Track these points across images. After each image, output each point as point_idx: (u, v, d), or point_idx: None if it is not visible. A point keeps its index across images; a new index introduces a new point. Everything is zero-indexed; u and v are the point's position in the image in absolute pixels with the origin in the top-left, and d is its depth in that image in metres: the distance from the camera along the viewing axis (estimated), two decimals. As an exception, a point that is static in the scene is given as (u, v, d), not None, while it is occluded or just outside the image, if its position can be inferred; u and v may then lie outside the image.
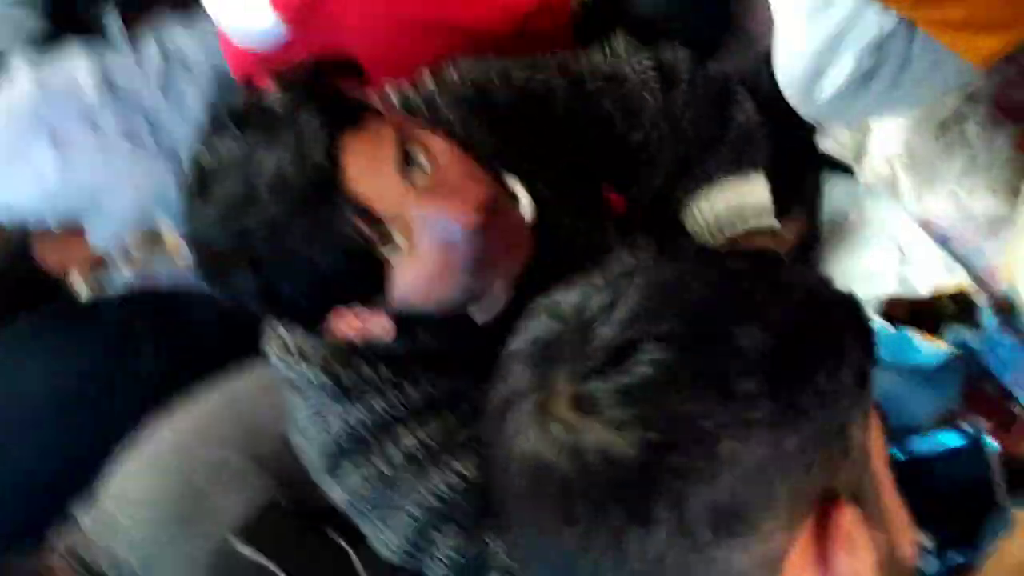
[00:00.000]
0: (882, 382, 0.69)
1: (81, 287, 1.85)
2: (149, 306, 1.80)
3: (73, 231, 1.80)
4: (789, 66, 1.11)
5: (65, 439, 1.66)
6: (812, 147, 1.42)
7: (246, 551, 1.33)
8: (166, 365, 1.69)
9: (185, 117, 1.74)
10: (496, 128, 1.14)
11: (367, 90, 1.06)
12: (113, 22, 1.77)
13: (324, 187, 0.90)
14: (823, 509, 0.58)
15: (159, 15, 1.80)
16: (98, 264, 1.84)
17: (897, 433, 0.98)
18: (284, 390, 1.13)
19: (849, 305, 0.62)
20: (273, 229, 0.91)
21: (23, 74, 1.71)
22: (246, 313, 1.01)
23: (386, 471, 1.06)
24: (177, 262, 1.80)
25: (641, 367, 0.56)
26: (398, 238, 0.94)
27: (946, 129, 1.28)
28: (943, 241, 1.27)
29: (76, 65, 1.72)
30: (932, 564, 1.10)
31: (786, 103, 1.15)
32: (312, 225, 0.91)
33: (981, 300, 1.21)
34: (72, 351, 1.76)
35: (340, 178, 0.91)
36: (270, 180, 0.90)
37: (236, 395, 1.51)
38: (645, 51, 1.23)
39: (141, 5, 1.80)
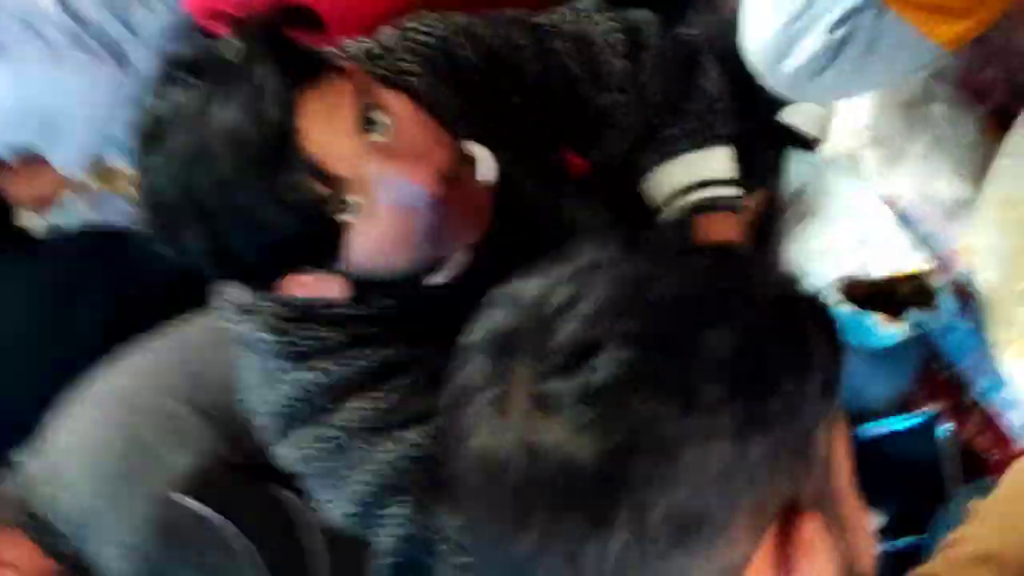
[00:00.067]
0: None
1: (36, 223, 1.81)
2: (99, 247, 1.77)
3: (32, 163, 1.76)
4: (757, 37, 1.10)
5: (7, 381, 1.63)
6: (775, 120, 1.41)
7: (192, 504, 1.32)
8: (114, 311, 1.67)
9: (146, 44, 1.70)
10: (462, 89, 1.12)
11: (327, 43, 1.03)
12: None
13: (280, 146, 0.88)
14: (786, 517, 0.57)
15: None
16: (56, 198, 1.80)
17: (853, 416, 0.98)
18: (234, 348, 1.10)
19: (817, 309, 0.61)
20: (225, 186, 0.88)
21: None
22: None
23: (338, 437, 1.04)
24: (132, 200, 1.77)
25: (603, 368, 0.54)
26: (355, 200, 0.92)
27: (913, 108, 1.27)
28: (906, 221, 1.26)
29: None
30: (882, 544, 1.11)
31: (751, 72, 1.14)
32: (266, 184, 0.88)
33: (940, 283, 1.21)
34: (18, 292, 1.73)
35: (296, 137, 0.88)
36: (225, 136, 0.88)
37: (185, 345, 1.48)
38: (612, 13, 1.21)
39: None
